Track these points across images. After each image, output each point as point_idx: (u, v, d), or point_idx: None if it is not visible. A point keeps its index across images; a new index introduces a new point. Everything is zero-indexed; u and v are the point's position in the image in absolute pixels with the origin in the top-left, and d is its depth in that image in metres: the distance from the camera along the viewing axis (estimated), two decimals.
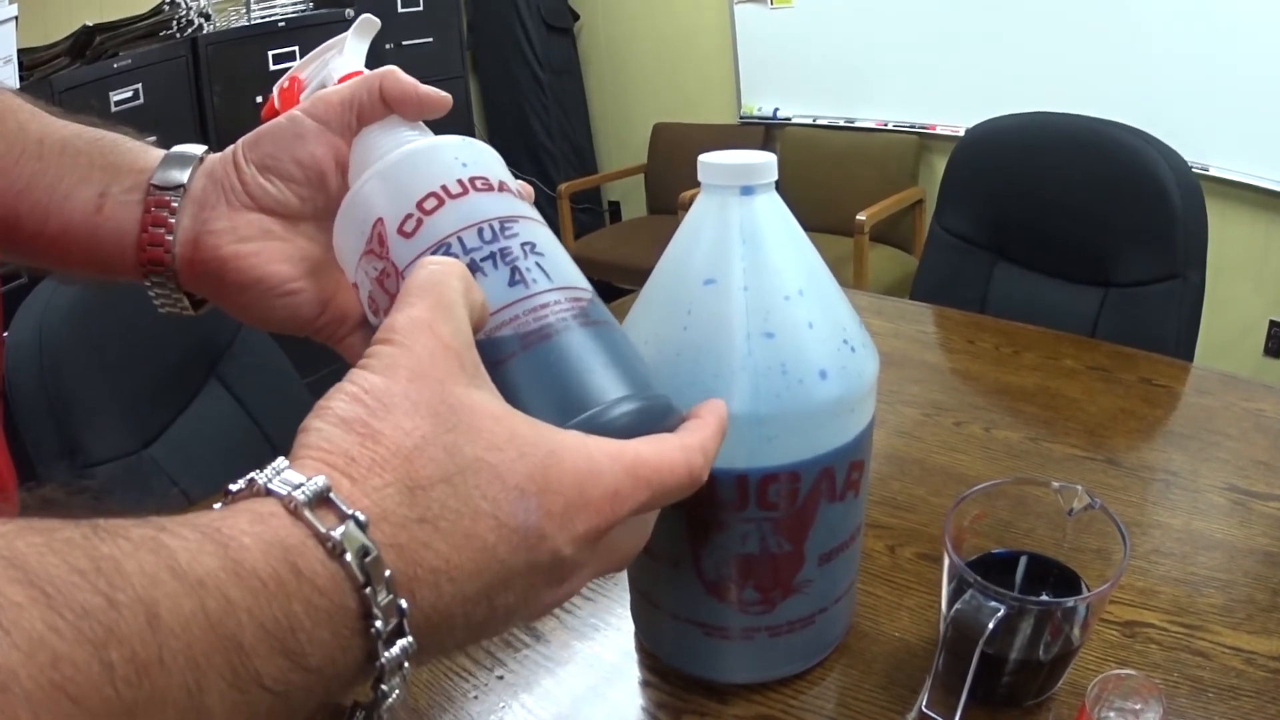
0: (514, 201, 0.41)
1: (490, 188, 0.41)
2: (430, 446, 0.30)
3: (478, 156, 0.42)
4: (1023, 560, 0.59)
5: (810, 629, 0.58)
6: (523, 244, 0.39)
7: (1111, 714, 0.50)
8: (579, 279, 0.40)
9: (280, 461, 0.29)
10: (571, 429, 0.34)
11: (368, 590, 0.27)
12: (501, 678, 0.62)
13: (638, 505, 0.34)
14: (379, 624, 0.28)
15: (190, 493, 1.08)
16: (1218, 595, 0.65)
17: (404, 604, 0.28)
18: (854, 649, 0.62)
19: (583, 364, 0.36)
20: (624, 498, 0.33)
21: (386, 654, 0.28)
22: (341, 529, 0.27)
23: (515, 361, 0.36)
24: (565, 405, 0.35)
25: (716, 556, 0.54)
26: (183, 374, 1.21)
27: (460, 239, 0.38)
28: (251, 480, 0.29)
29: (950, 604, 0.52)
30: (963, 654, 0.50)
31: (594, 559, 0.34)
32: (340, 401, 0.31)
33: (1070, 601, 0.53)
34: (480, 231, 0.38)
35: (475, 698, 0.60)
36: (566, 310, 0.37)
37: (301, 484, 0.28)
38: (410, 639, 0.29)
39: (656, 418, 0.37)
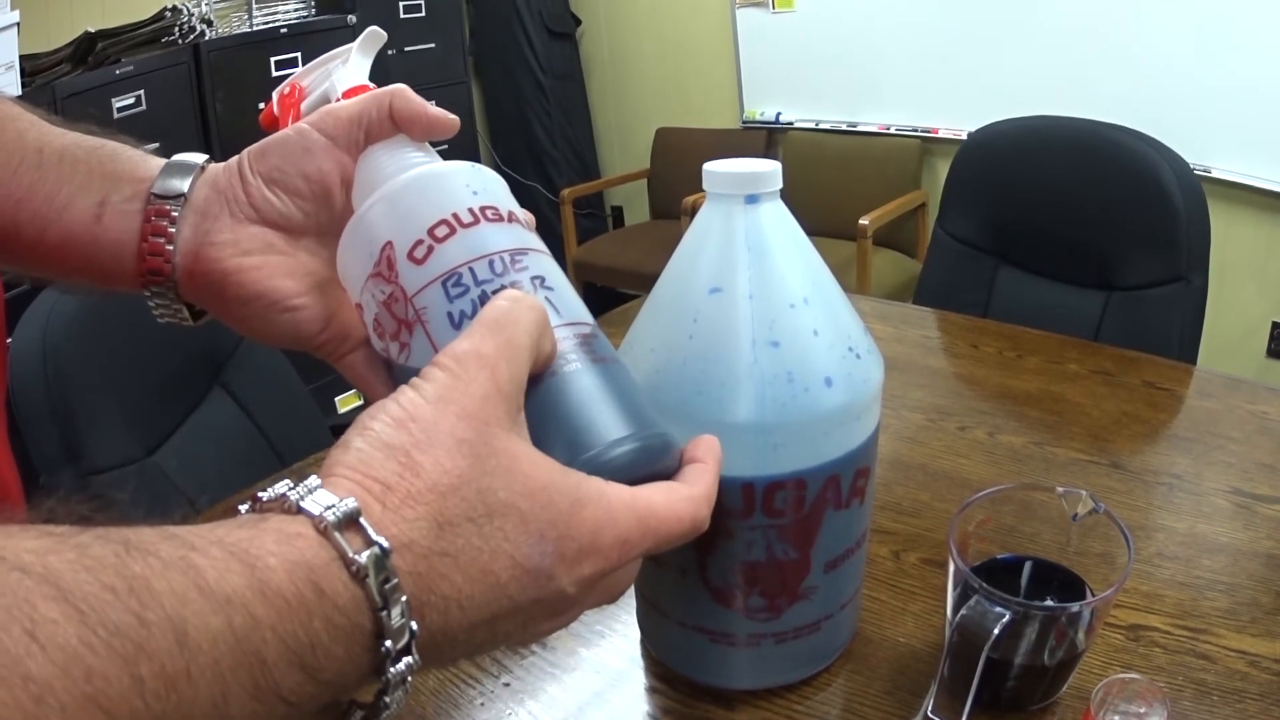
0: (522, 233, 0.41)
1: (500, 218, 0.41)
2: (465, 488, 0.31)
3: (487, 184, 0.42)
4: (1027, 565, 0.59)
5: (816, 635, 0.58)
6: (533, 277, 0.39)
7: (1116, 718, 0.50)
8: (583, 312, 0.40)
9: (313, 479, 0.30)
10: (576, 466, 0.35)
11: (384, 613, 0.29)
12: (508, 684, 0.62)
13: (642, 552, 0.35)
14: (389, 643, 0.29)
15: (195, 499, 1.08)
16: (1222, 599, 0.65)
17: (415, 627, 0.30)
18: (859, 655, 0.62)
19: (587, 403, 0.37)
20: (632, 545, 0.35)
21: (393, 669, 0.29)
22: (366, 554, 0.28)
23: (526, 393, 0.36)
24: (572, 443, 0.36)
25: (722, 564, 0.54)
26: (187, 381, 1.22)
27: (472, 269, 0.38)
28: (284, 496, 0.30)
29: (955, 609, 0.52)
30: (968, 659, 0.50)
31: (591, 595, 0.36)
32: (384, 425, 0.32)
33: (1075, 606, 0.53)
34: (491, 263, 0.39)
35: (481, 704, 0.60)
36: (573, 347, 0.38)
37: (333, 505, 0.29)
38: (415, 657, 0.30)
39: (656, 456, 0.38)
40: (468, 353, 0.33)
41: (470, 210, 0.40)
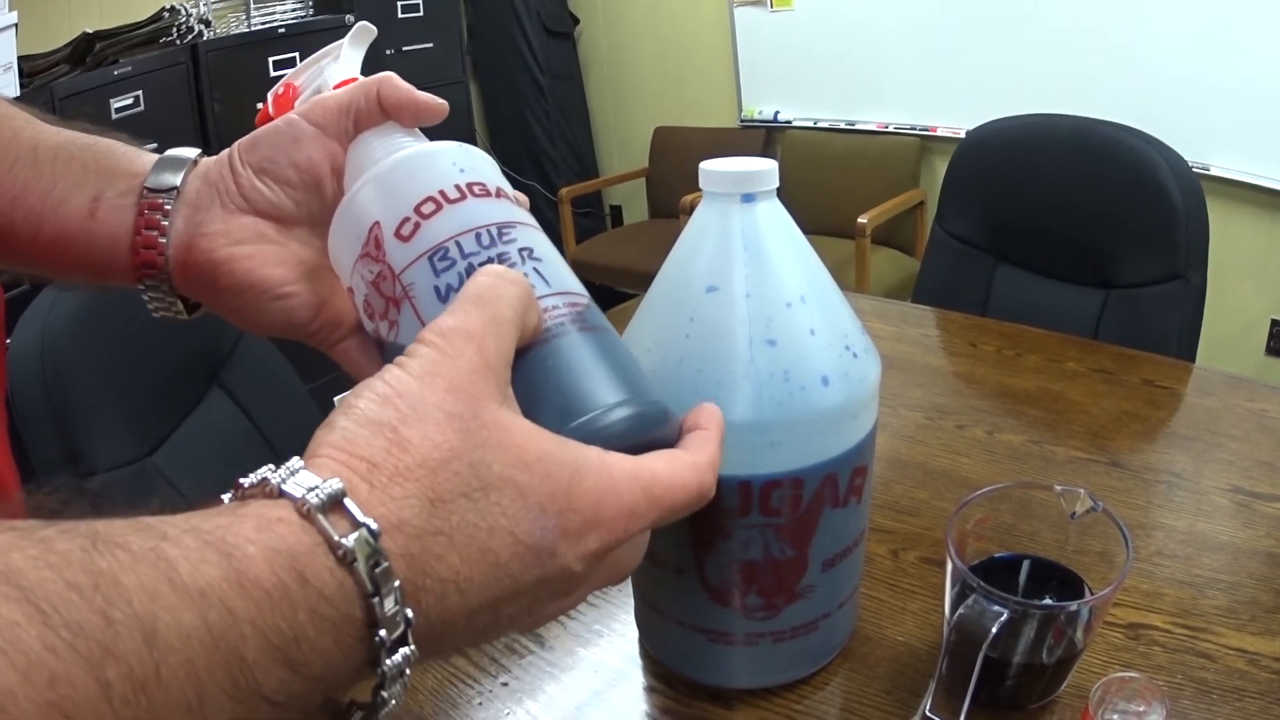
0: (511, 208, 0.41)
1: (488, 193, 0.41)
2: (456, 461, 0.30)
3: (474, 163, 0.42)
4: (1026, 564, 0.59)
5: (814, 634, 0.58)
6: (520, 249, 0.39)
7: (1115, 716, 0.50)
8: (575, 284, 0.40)
9: (295, 461, 0.29)
10: (569, 433, 0.34)
11: (375, 600, 0.27)
12: (506, 684, 0.62)
13: (649, 523, 0.34)
14: (383, 633, 0.27)
15: (194, 500, 1.08)
16: (1221, 597, 0.65)
17: (410, 614, 0.28)
18: (857, 654, 0.62)
19: (581, 369, 0.36)
20: (638, 516, 0.33)
21: (388, 661, 0.28)
22: (354, 536, 0.27)
23: (514, 365, 0.35)
24: (564, 409, 0.35)
25: (720, 563, 0.54)
26: (185, 381, 1.21)
27: (458, 243, 0.38)
28: (265, 480, 0.28)
29: (953, 608, 0.52)
30: (966, 658, 0.50)
31: (598, 573, 0.34)
32: (370, 402, 0.30)
33: (1073, 605, 0.53)
34: (478, 236, 0.38)
35: (479, 704, 0.60)
36: (564, 315, 0.37)
37: (316, 486, 0.27)
38: (413, 647, 0.28)
39: (653, 423, 0.37)
40: (453, 328, 0.32)
41: (457, 187, 0.40)
